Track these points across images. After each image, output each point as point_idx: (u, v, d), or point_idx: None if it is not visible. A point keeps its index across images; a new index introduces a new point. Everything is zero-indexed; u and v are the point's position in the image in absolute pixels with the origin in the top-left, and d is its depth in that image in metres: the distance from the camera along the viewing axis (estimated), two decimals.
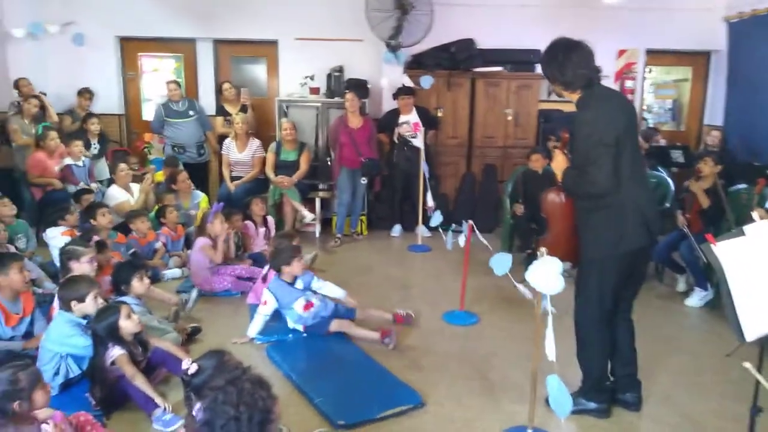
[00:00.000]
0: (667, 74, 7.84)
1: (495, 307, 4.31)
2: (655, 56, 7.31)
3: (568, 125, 5.38)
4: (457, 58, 6.53)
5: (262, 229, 5.34)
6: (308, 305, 3.70)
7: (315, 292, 3.84)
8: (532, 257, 4.84)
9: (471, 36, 6.64)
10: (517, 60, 6.70)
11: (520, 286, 3.32)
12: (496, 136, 6.68)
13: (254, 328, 3.69)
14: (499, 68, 6.63)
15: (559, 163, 2.78)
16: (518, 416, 2.87)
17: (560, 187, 2.87)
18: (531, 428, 2.70)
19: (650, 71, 7.60)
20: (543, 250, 2.52)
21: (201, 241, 4.57)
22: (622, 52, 7.11)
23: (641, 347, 2.98)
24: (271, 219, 5.55)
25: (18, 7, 6.63)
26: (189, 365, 2.27)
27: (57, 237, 4.41)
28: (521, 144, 6.53)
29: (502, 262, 3.04)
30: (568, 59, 2.69)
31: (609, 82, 7.11)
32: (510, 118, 6.58)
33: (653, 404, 3.02)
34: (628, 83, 7.18)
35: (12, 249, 4.27)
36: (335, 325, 3.70)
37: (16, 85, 6.38)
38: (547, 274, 2.42)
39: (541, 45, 7.21)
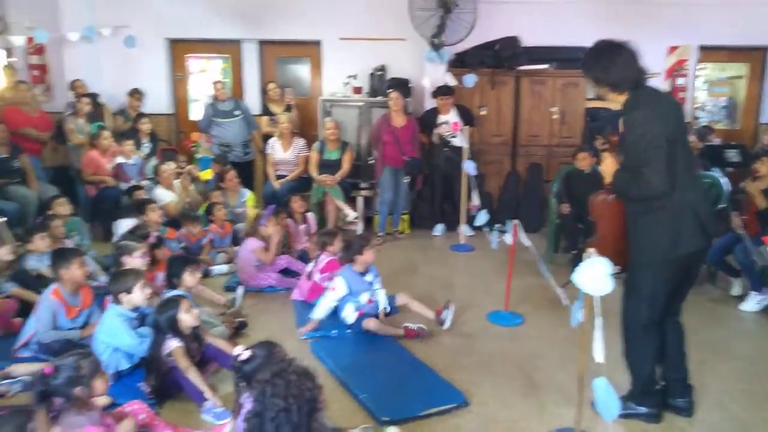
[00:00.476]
0: (722, 71, 7.59)
1: (540, 308, 4.26)
2: (709, 53, 7.09)
3: (616, 124, 5.26)
4: (501, 56, 6.48)
5: (302, 226, 5.41)
6: (371, 300, 3.82)
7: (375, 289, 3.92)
8: (579, 258, 4.76)
9: (516, 33, 6.58)
10: (564, 57, 6.60)
11: (559, 290, 3.30)
12: (541, 135, 6.59)
13: (320, 311, 3.76)
14: (544, 66, 6.54)
15: (609, 166, 2.73)
16: (564, 419, 2.83)
17: (609, 189, 2.81)
18: (578, 431, 2.66)
19: (703, 68, 7.37)
20: (591, 250, 2.47)
21: (253, 243, 4.67)
22: (673, 49, 6.92)
23: (694, 352, 2.91)
24: (311, 216, 5.61)
25: (74, 12, 6.88)
26: (241, 351, 2.32)
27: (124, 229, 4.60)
28: (567, 143, 6.43)
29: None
30: (612, 62, 2.64)
31: (659, 80, 6.95)
32: (556, 116, 6.49)
33: (705, 410, 2.93)
34: (680, 81, 6.99)
35: (68, 244, 4.45)
36: (372, 324, 3.73)
37: (72, 86, 6.64)
38: (596, 276, 2.38)
39: (589, 42, 7.08)
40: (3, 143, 5.50)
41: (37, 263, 4.09)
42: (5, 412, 2.05)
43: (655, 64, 6.87)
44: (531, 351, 3.60)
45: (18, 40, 6.62)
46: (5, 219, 4.64)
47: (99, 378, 2.33)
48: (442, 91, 6.09)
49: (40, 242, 4.14)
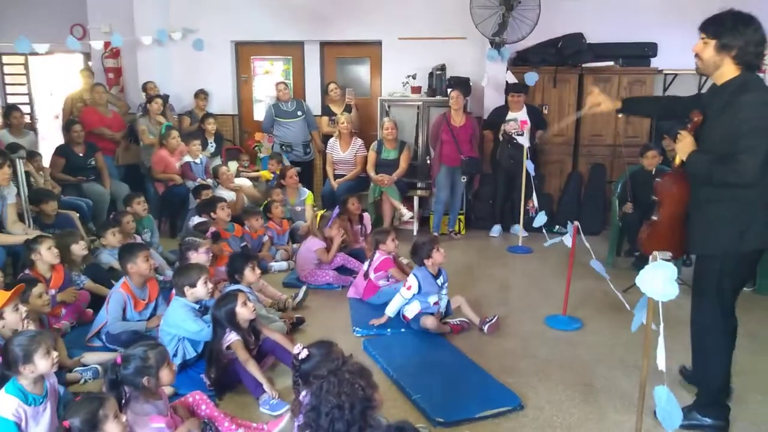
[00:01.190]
0: None
1: (600, 312, 4.13)
2: None
3: (685, 123, 5.02)
4: (564, 54, 6.32)
5: (358, 227, 5.46)
6: (437, 303, 3.83)
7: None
8: (643, 261, 4.60)
9: (580, 30, 6.40)
10: (630, 54, 6.38)
11: (620, 295, 3.21)
12: (605, 135, 6.40)
13: (392, 307, 3.81)
14: (609, 63, 6.34)
15: (687, 145, 2.61)
16: (623, 426, 2.74)
17: (679, 170, 2.70)
18: None
19: None
20: (656, 254, 2.39)
21: (316, 243, 4.77)
22: None
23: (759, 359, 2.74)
24: (367, 216, 5.65)
25: (146, 17, 7.20)
26: (300, 350, 2.37)
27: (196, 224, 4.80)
28: (633, 143, 6.20)
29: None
30: (747, 31, 2.50)
31: None
32: (621, 115, 6.28)
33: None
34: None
35: (139, 240, 4.66)
36: (429, 321, 3.72)
37: (144, 87, 6.95)
38: (660, 279, 2.29)
39: (658, 37, 6.87)
40: (80, 142, 5.82)
41: (109, 257, 4.32)
42: (79, 399, 2.17)
43: None
44: (590, 356, 3.50)
45: (96, 45, 7.01)
46: (78, 215, 4.93)
47: (166, 368, 2.43)
48: (514, 89, 6.01)
49: (112, 237, 4.36)
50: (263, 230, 5.32)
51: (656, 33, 6.41)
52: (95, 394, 2.22)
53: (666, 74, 6.58)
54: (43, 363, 2.32)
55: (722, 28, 2.54)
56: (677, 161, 2.70)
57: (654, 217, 2.94)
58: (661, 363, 2.30)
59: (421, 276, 3.77)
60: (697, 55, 2.61)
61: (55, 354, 2.39)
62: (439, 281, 3.86)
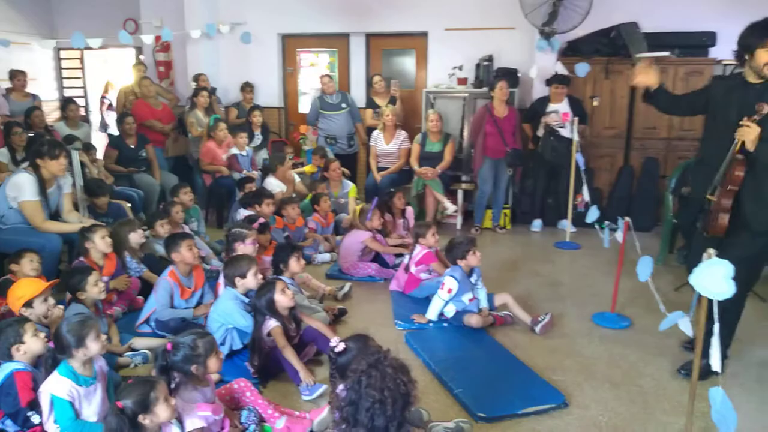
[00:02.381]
0: None
1: (650, 311, 3.98)
2: None
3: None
4: (617, 44, 6.11)
5: (400, 220, 5.44)
6: (473, 298, 3.79)
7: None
8: (694, 258, 4.43)
9: (634, 19, 6.18)
10: (688, 44, 6.12)
11: (658, 297, 3.09)
12: (659, 128, 6.17)
13: (433, 311, 3.78)
14: (665, 53, 6.09)
15: (754, 135, 2.75)
16: (671, 428, 2.65)
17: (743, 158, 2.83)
18: None
19: None
20: (711, 251, 2.29)
21: (364, 235, 4.78)
22: None
23: None
24: (410, 209, 5.62)
25: (196, 11, 7.34)
26: (337, 343, 2.38)
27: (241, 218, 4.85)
28: (688, 136, 5.97)
29: (644, 267, 2.95)
30: None
31: None
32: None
33: None
34: None
35: (187, 230, 4.77)
36: (474, 319, 3.68)
37: (196, 79, 7.09)
38: (716, 278, 2.19)
39: (717, 26, 6.60)
40: (131, 134, 5.99)
41: (159, 247, 4.43)
42: (132, 381, 2.24)
43: None
44: (638, 355, 3.39)
45: (147, 39, 7.19)
46: (129, 205, 5.08)
47: (214, 357, 2.48)
48: (557, 80, 5.87)
49: (161, 229, 4.47)
50: (302, 220, 5.36)
51: (715, 22, 6.12)
52: (147, 378, 2.29)
53: (725, 65, 6.29)
54: (94, 346, 2.42)
55: None
56: (737, 148, 2.81)
57: (716, 200, 2.98)
58: (716, 364, 2.21)
59: (459, 276, 3.72)
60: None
61: (104, 337, 2.49)
62: (473, 279, 3.81)
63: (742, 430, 2.25)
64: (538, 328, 3.66)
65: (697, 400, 2.42)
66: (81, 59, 9.40)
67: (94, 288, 3.26)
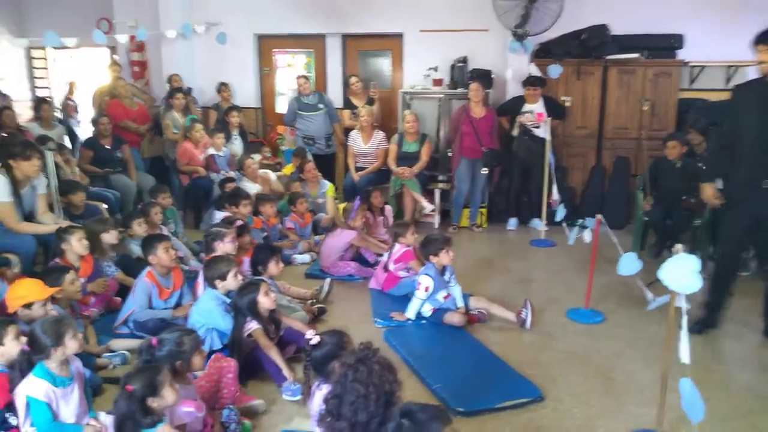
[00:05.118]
0: None
1: (622, 306, 4.11)
2: None
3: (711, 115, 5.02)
4: (588, 45, 6.24)
5: (380, 218, 5.49)
6: (447, 295, 3.84)
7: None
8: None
9: (604, 21, 6.32)
10: (656, 46, 6.28)
11: (646, 290, 3.20)
12: (629, 127, 6.32)
13: (412, 310, 3.82)
14: (635, 55, 6.25)
15: None
16: (644, 419, 2.74)
17: None
18: None
19: None
20: (678, 246, 2.38)
21: (350, 234, 4.81)
22: None
23: None
24: (388, 208, 5.67)
25: (171, 11, 7.30)
26: (312, 336, 2.41)
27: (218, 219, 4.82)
28: (658, 136, 6.10)
29: (629, 264, 3.02)
30: None
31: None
32: (646, 108, 6.20)
33: None
34: None
35: (165, 231, 4.75)
36: (456, 318, 3.73)
37: (169, 80, 7.04)
38: (684, 272, 2.28)
39: (684, 29, 6.76)
40: (106, 135, 5.93)
41: (136, 248, 4.40)
42: (139, 368, 2.29)
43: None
44: (611, 349, 3.49)
45: (122, 39, 7.12)
46: (105, 206, 5.03)
47: (198, 354, 2.50)
48: (530, 82, 5.97)
49: (138, 228, 4.44)
50: (276, 218, 5.36)
51: (682, 24, 6.30)
52: (153, 365, 2.33)
53: (692, 66, 6.48)
54: (72, 343, 2.43)
55: None
56: None
57: None
58: (684, 356, 2.29)
59: (433, 273, 3.77)
60: (762, 62, 3.24)
61: (80, 335, 2.50)
62: (446, 276, 3.86)
63: (709, 419, 2.34)
64: (527, 324, 3.71)
65: (668, 391, 2.50)
66: (47, 59, 9.20)
67: (71, 287, 3.24)
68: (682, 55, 6.31)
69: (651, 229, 5.22)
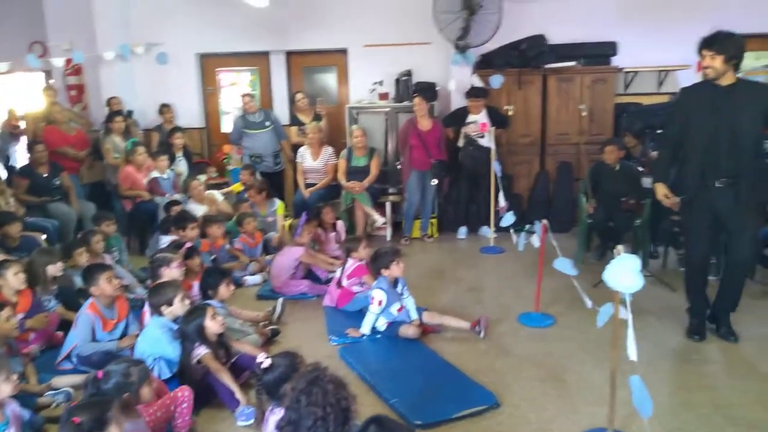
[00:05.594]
0: (757, 60, 7.36)
1: (571, 308, 4.19)
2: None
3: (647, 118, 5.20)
4: (527, 55, 6.42)
5: (332, 234, 5.47)
6: (401, 308, 3.83)
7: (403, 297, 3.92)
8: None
9: (541, 32, 6.52)
10: (591, 54, 6.52)
11: (585, 297, 3.29)
12: (570, 133, 6.51)
13: (366, 325, 3.79)
14: (572, 63, 6.46)
15: None
16: (597, 418, 2.79)
17: None
18: (611, 430, 2.62)
19: None
20: (619, 248, 2.45)
21: (298, 251, 4.75)
22: None
23: (729, 351, 2.82)
24: (340, 223, 5.66)
25: (108, 32, 7.10)
26: (263, 359, 2.36)
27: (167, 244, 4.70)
28: (597, 140, 6.30)
29: (563, 266, 3.25)
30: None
31: (692, 71, 6.78)
32: (585, 113, 6.41)
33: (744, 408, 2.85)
34: None
35: (108, 259, 4.59)
36: (411, 331, 3.73)
37: (108, 103, 6.85)
38: (626, 273, 2.35)
39: (617, 36, 7.01)
40: (43, 162, 5.71)
41: (78, 279, 4.23)
42: (86, 401, 2.17)
43: (686, 56, 6.71)
44: (562, 352, 3.56)
45: (57, 62, 6.89)
46: (44, 236, 4.84)
47: (147, 386, 2.41)
48: (473, 93, 6.08)
49: (79, 258, 4.28)
50: (224, 239, 5.27)
51: (615, 32, 6.56)
52: (103, 398, 2.22)
53: (626, 72, 6.74)
54: (5, 387, 2.29)
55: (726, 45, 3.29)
56: None
57: None
58: (633, 353, 2.35)
59: (385, 287, 3.76)
60: (707, 67, 3.33)
61: (14, 377, 2.36)
62: (398, 288, 3.86)
63: (657, 413, 2.41)
64: (482, 334, 3.73)
65: (618, 389, 2.56)
66: None
67: (6, 324, 3.08)
68: (616, 61, 6.56)
69: (594, 231, 5.36)
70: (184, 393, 2.68)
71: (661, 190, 3.63)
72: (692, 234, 3.64)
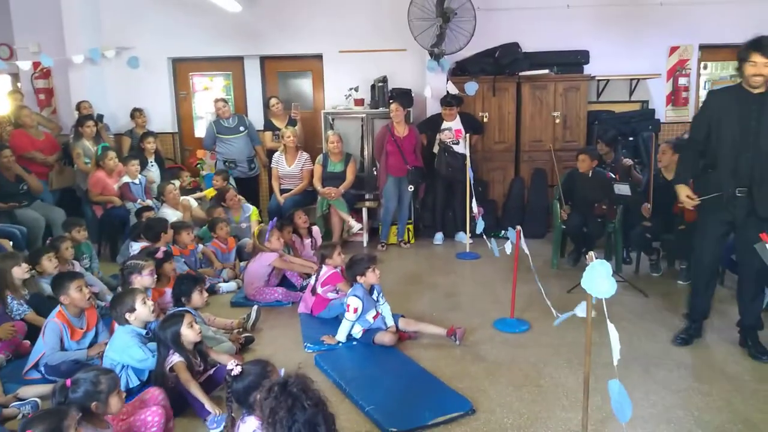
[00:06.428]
0: (724, 70, 7.55)
1: (546, 314, 4.21)
2: (710, 51, 7.08)
3: (619, 126, 5.25)
4: (501, 63, 6.49)
5: (307, 240, 5.43)
6: (377, 315, 3.80)
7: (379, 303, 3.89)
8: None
9: (515, 40, 6.60)
10: (564, 62, 6.62)
11: (553, 309, 3.31)
12: (544, 140, 6.58)
13: (342, 333, 3.75)
14: (545, 71, 6.54)
15: None
16: (572, 423, 2.81)
17: None
18: None
19: (705, 67, 7.34)
20: (591, 254, 2.47)
21: (271, 257, 4.69)
22: (673, 49, 6.91)
23: (699, 355, 2.86)
24: (316, 229, 5.62)
25: (77, 35, 6.96)
26: (233, 367, 2.32)
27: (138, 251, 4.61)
28: (571, 147, 6.41)
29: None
30: None
31: (662, 80, 6.93)
32: (558, 120, 6.49)
33: (712, 412, 2.90)
34: (682, 80, 6.96)
35: (78, 266, 4.48)
36: (387, 338, 3.72)
37: (78, 107, 6.71)
38: (598, 278, 2.37)
39: (590, 45, 7.15)
40: (10, 167, 5.56)
41: (47, 285, 4.12)
42: (41, 412, 2.08)
43: (656, 65, 6.87)
44: (537, 357, 3.58)
45: (24, 65, 6.73)
46: (11, 242, 4.70)
47: (116, 395, 2.35)
48: (446, 102, 6.12)
49: (48, 264, 4.16)
50: (194, 245, 5.19)
51: (588, 41, 6.68)
52: (59, 407, 2.16)
53: (599, 80, 6.86)
54: None
55: None
56: None
57: None
58: (616, 354, 2.36)
59: (361, 294, 3.74)
60: (757, 75, 3.19)
61: None
62: (374, 295, 3.84)
63: (633, 417, 2.43)
64: (458, 342, 3.72)
65: (592, 394, 2.58)
66: None
67: None
68: (588, 70, 6.67)
69: (569, 236, 5.42)
70: (155, 418, 2.61)
71: (684, 192, 3.56)
72: (706, 236, 3.57)
